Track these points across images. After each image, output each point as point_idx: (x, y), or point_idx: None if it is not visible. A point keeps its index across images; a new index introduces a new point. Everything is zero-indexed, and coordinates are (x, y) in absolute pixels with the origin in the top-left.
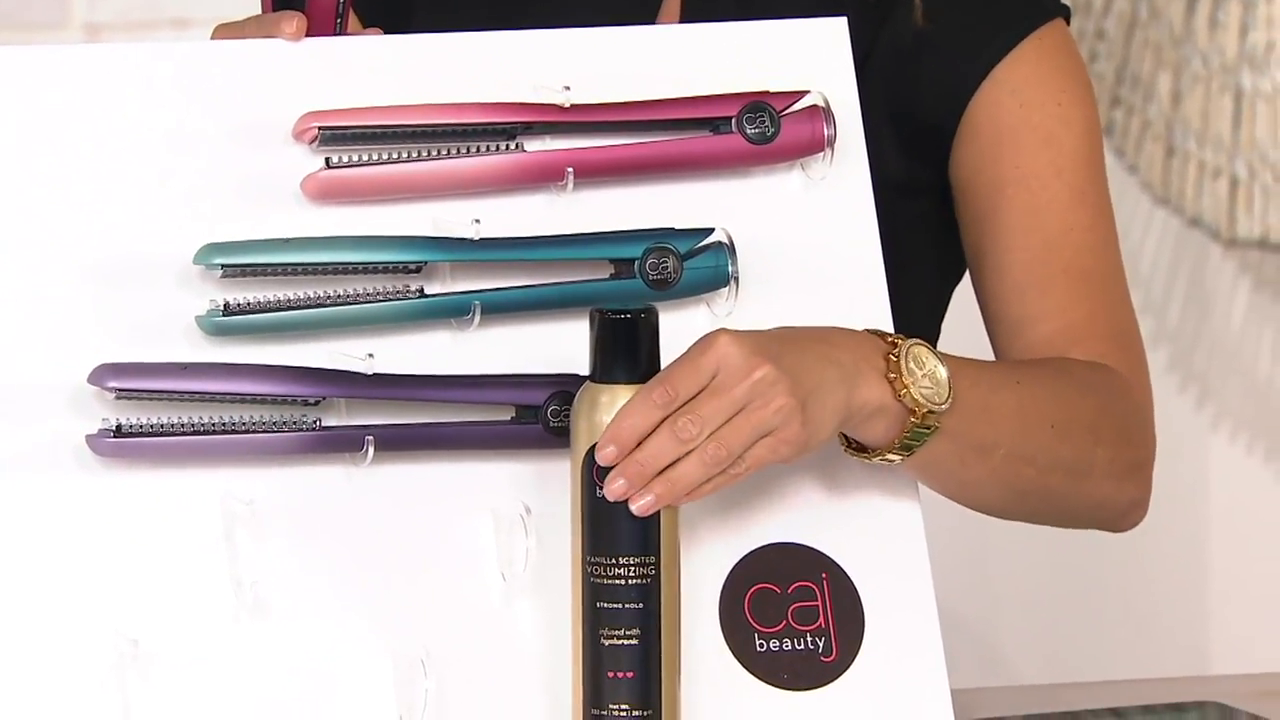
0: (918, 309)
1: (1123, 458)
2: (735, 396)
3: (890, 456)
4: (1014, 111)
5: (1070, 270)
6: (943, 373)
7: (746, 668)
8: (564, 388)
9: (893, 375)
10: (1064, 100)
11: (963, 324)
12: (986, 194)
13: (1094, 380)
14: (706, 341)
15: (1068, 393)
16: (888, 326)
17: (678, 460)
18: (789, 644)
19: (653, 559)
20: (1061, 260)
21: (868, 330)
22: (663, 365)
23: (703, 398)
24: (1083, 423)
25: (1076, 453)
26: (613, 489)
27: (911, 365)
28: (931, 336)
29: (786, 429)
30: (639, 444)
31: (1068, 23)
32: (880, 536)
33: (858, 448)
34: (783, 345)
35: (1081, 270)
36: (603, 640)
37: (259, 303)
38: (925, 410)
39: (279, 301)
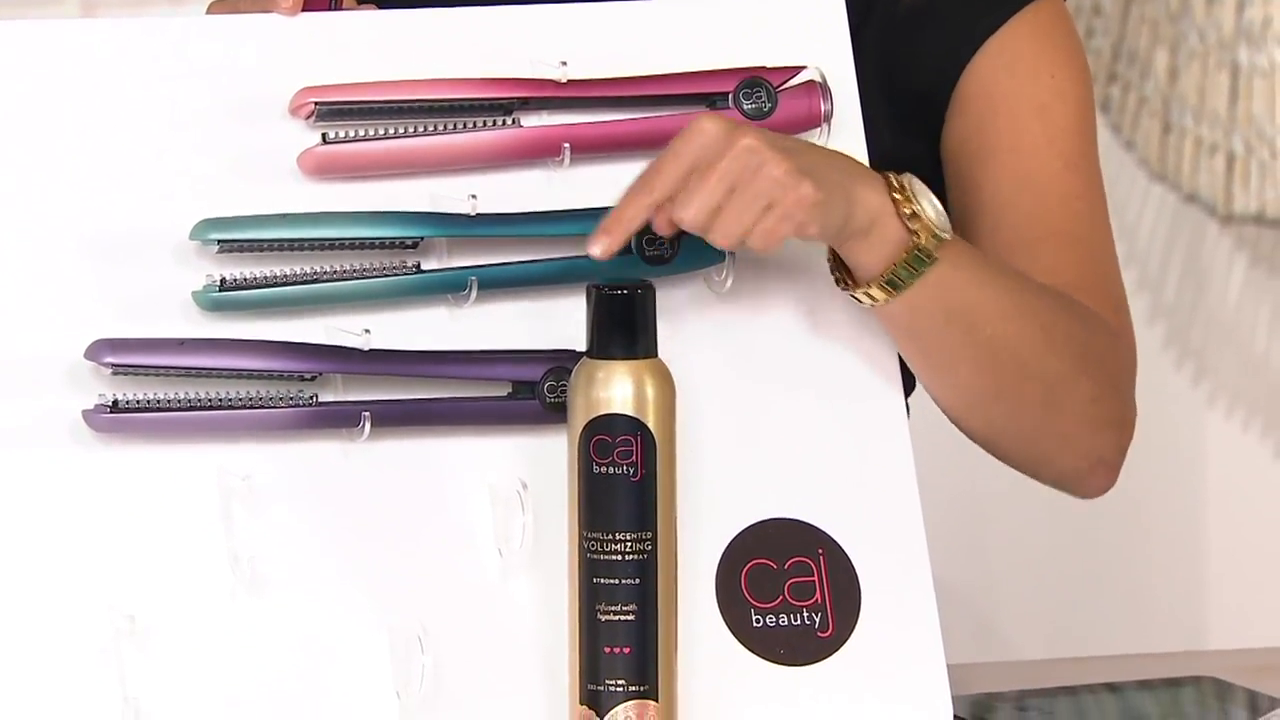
0: None
1: (1104, 405)
2: (723, 171)
3: (875, 294)
4: (1006, 83)
5: (1060, 234)
6: (943, 216)
7: (743, 643)
8: (561, 363)
9: (896, 195)
10: (1057, 73)
11: None
12: (977, 162)
13: (1090, 317)
14: (687, 126)
15: (1064, 309)
16: None
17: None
18: (785, 619)
19: (649, 534)
20: (1050, 224)
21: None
22: (659, 340)
23: (691, 181)
24: (1074, 343)
25: (1061, 370)
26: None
27: (912, 189)
28: None
29: (795, 192)
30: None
31: None
32: (877, 512)
33: (845, 280)
34: (773, 133)
35: (1072, 235)
36: (600, 615)
37: (255, 278)
38: (927, 232)
39: (275, 277)
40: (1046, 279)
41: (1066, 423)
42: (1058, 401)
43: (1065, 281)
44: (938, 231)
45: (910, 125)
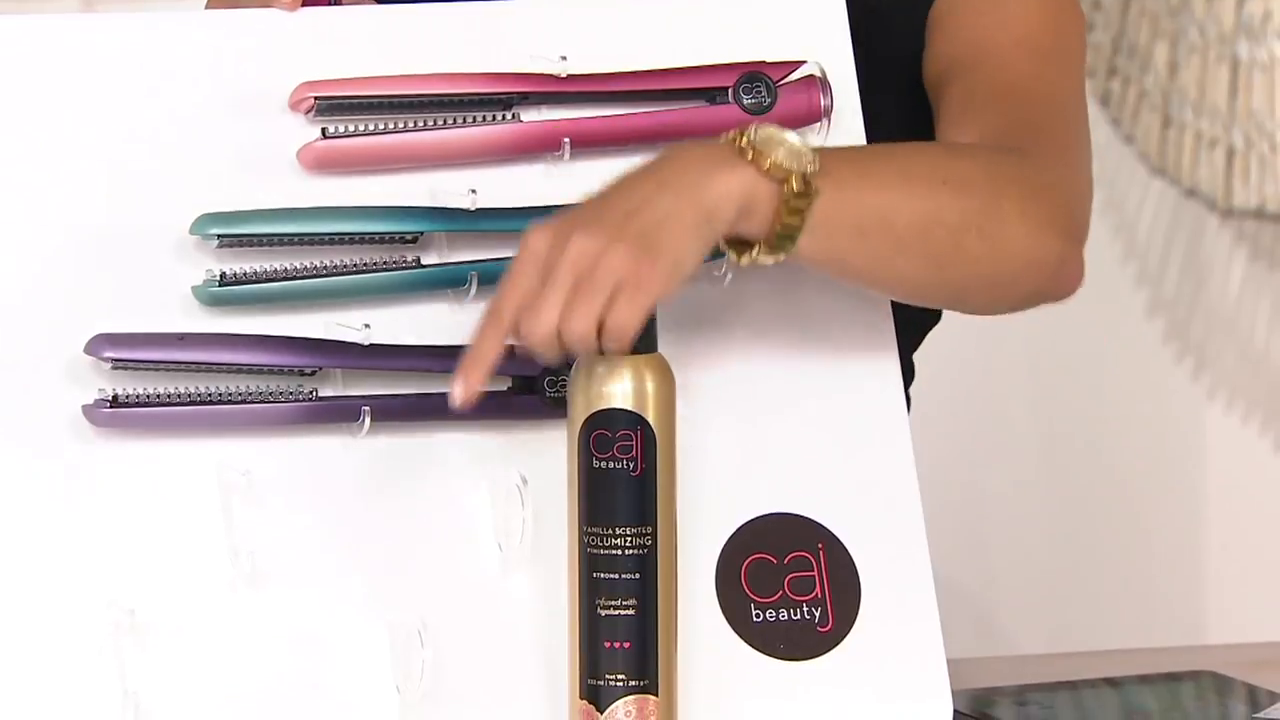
0: None
1: (1034, 209)
2: (560, 280)
3: (775, 254)
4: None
5: (998, 93)
6: (797, 140)
7: (743, 638)
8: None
9: (750, 154)
10: None
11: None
12: (946, 77)
13: (984, 151)
14: (520, 246)
15: (953, 155)
16: (884, 298)
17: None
18: (785, 614)
19: (649, 529)
20: (991, 87)
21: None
22: (659, 335)
23: (534, 300)
24: (978, 176)
25: (983, 203)
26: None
27: (762, 142)
28: None
29: (636, 273)
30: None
31: None
32: (877, 507)
33: (741, 252)
34: (594, 203)
35: (1013, 94)
36: (599, 610)
37: (255, 273)
38: (794, 174)
39: (275, 272)
40: (971, 128)
41: (1011, 242)
42: (994, 231)
43: (996, 126)
44: (805, 168)
45: (911, 100)
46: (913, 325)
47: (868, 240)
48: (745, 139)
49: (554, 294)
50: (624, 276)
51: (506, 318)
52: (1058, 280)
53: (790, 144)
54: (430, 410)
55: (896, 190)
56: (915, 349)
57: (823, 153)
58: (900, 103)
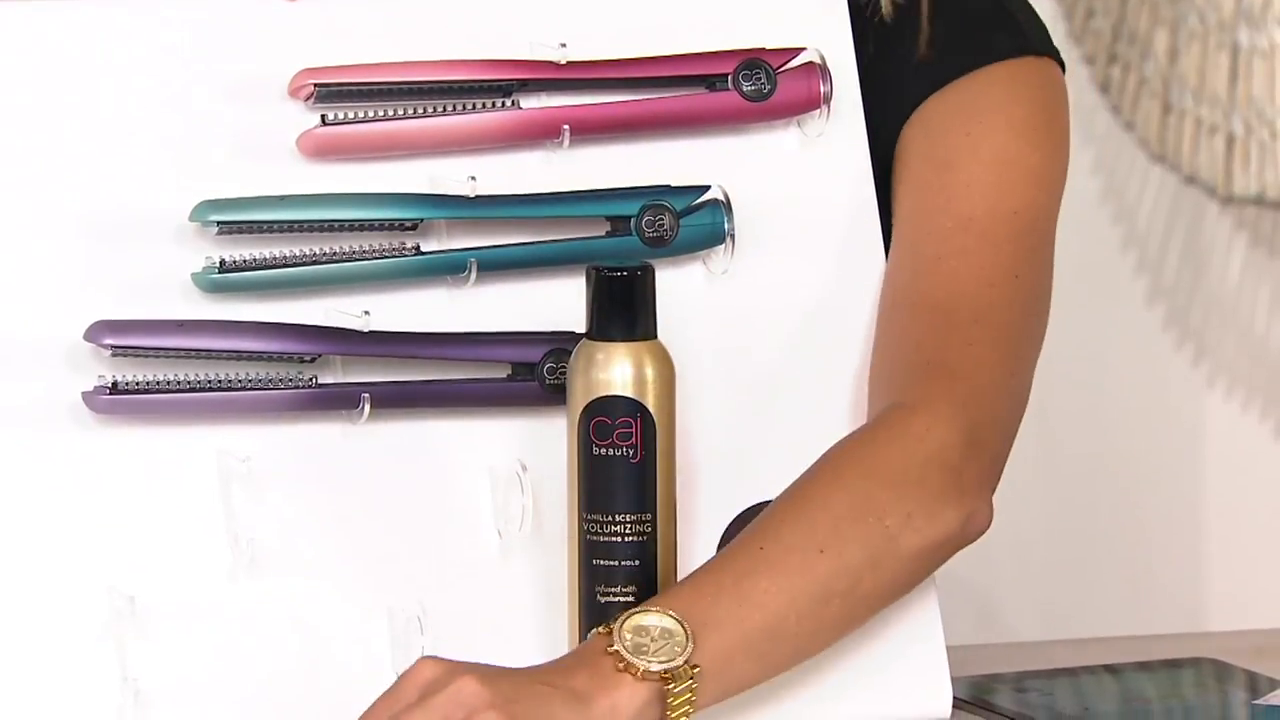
0: None
1: (923, 506)
2: (431, 707)
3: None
4: (920, 143)
5: (918, 305)
6: (670, 622)
7: None
8: (560, 345)
9: (621, 665)
10: (974, 129)
11: None
12: (895, 220)
13: (853, 455)
14: (405, 671)
15: (824, 499)
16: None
17: None
18: None
19: (649, 516)
20: (915, 294)
21: (595, 633)
22: (658, 322)
23: (402, 714)
24: (852, 513)
25: (868, 547)
26: None
27: (632, 640)
28: None
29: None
30: None
31: (1060, 67)
32: None
33: None
34: (499, 669)
35: (932, 303)
36: (599, 597)
37: (255, 260)
38: (675, 667)
39: (275, 259)
40: (884, 354)
41: (912, 555)
42: (889, 560)
43: (895, 356)
44: (679, 657)
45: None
46: None
47: (769, 656)
48: (613, 643)
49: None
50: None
51: None
52: (966, 538)
53: (664, 628)
54: (430, 397)
55: (776, 598)
56: None
57: (691, 597)
58: (882, 180)
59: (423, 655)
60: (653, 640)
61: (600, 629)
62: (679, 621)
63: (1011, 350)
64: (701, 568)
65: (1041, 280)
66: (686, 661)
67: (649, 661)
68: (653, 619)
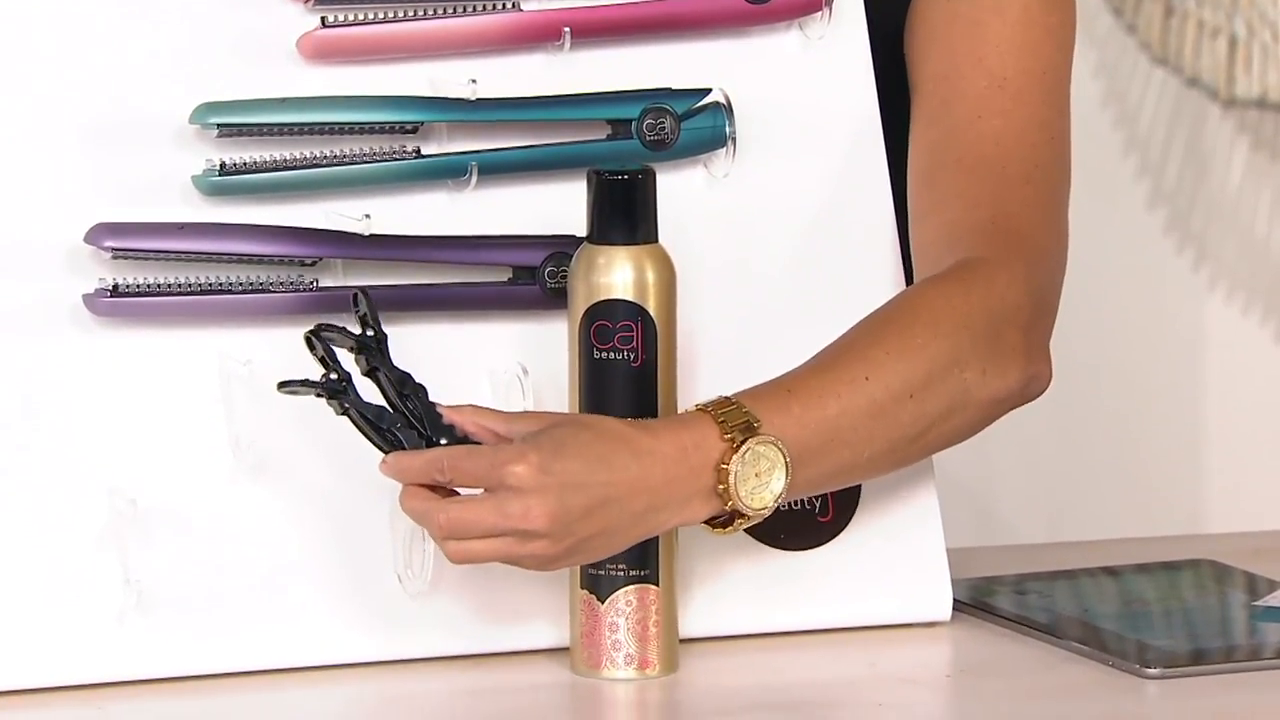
0: None
1: (996, 362)
2: (498, 525)
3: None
4: (943, 5)
5: (963, 161)
6: (779, 483)
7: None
8: (561, 249)
9: (722, 487)
10: None
11: None
12: (913, 96)
13: (945, 303)
14: (510, 456)
15: (919, 343)
16: (884, 187)
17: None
18: (786, 504)
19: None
20: (957, 150)
21: (707, 416)
22: (659, 226)
23: (471, 503)
24: (941, 365)
25: (947, 397)
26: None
27: (746, 470)
28: None
29: (540, 568)
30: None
31: None
32: None
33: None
34: (582, 492)
35: (977, 159)
36: None
37: (255, 163)
38: (757, 511)
39: (275, 161)
40: (937, 215)
41: (978, 407)
42: (960, 410)
43: (953, 217)
44: (766, 508)
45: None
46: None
47: (839, 478)
48: (729, 464)
49: (486, 526)
50: (529, 563)
51: (437, 470)
52: (1026, 398)
53: (770, 477)
54: (431, 301)
55: (865, 433)
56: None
57: (797, 424)
58: (884, 72)
59: (528, 442)
60: (758, 475)
61: (721, 422)
62: (786, 468)
63: (1058, 211)
64: (813, 373)
65: (1068, 140)
66: (773, 507)
67: (747, 502)
68: (768, 454)
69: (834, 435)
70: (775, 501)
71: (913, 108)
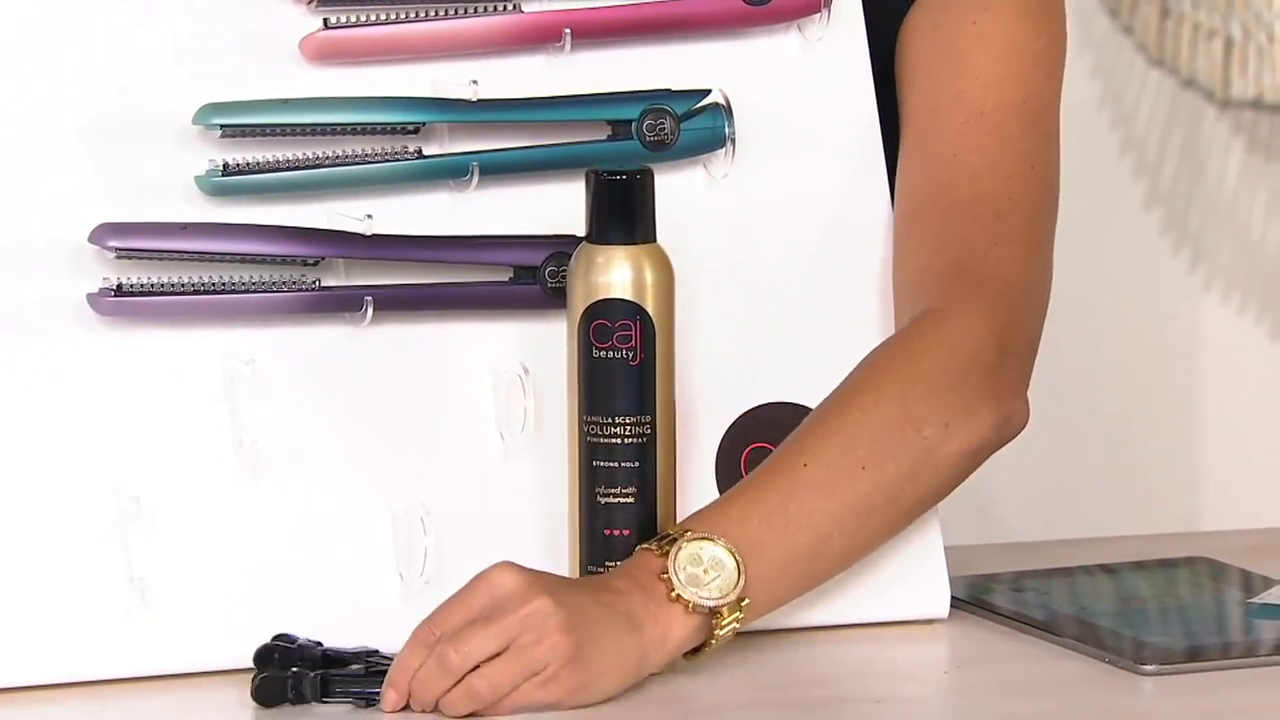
0: None
1: (960, 412)
2: (504, 626)
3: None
4: (928, 34)
5: (937, 204)
6: (723, 554)
7: None
8: (561, 248)
9: (674, 594)
10: (981, 18)
11: None
12: (901, 128)
13: (888, 367)
14: (482, 574)
15: (856, 415)
16: (882, 188)
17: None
18: None
19: (649, 418)
20: (933, 193)
21: (641, 548)
22: (658, 226)
23: (471, 627)
24: (886, 430)
25: (907, 459)
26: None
27: (690, 571)
28: None
29: (558, 671)
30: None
31: None
32: None
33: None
34: (565, 583)
35: (951, 201)
36: (600, 498)
37: (258, 163)
38: (725, 604)
39: (278, 162)
40: (911, 262)
41: (949, 462)
42: (928, 469)
43: (924, 264)
44: (730, 594)
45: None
46: None
47: (813, 573)
48: (668, 570)
49: (495, 636)
50: (556, 667)
51: (425, 637)
52: (1003, 440)
53: (717, 561)
54: (432, 300)
55: (820, 519)
56: None
57: (739, 534)
58: (881, 81)
59: (500, 562)
60: (705, 571)
61: (653, 546)
62: (732, 554)
63: (1035, 242)
64: (747, 483)
65: (1054, 166)
66: (738, 597)
67: (701, 595)
68: (707, 550)
69: (785, 523)
70: (737, 590)
71: (900, 141)
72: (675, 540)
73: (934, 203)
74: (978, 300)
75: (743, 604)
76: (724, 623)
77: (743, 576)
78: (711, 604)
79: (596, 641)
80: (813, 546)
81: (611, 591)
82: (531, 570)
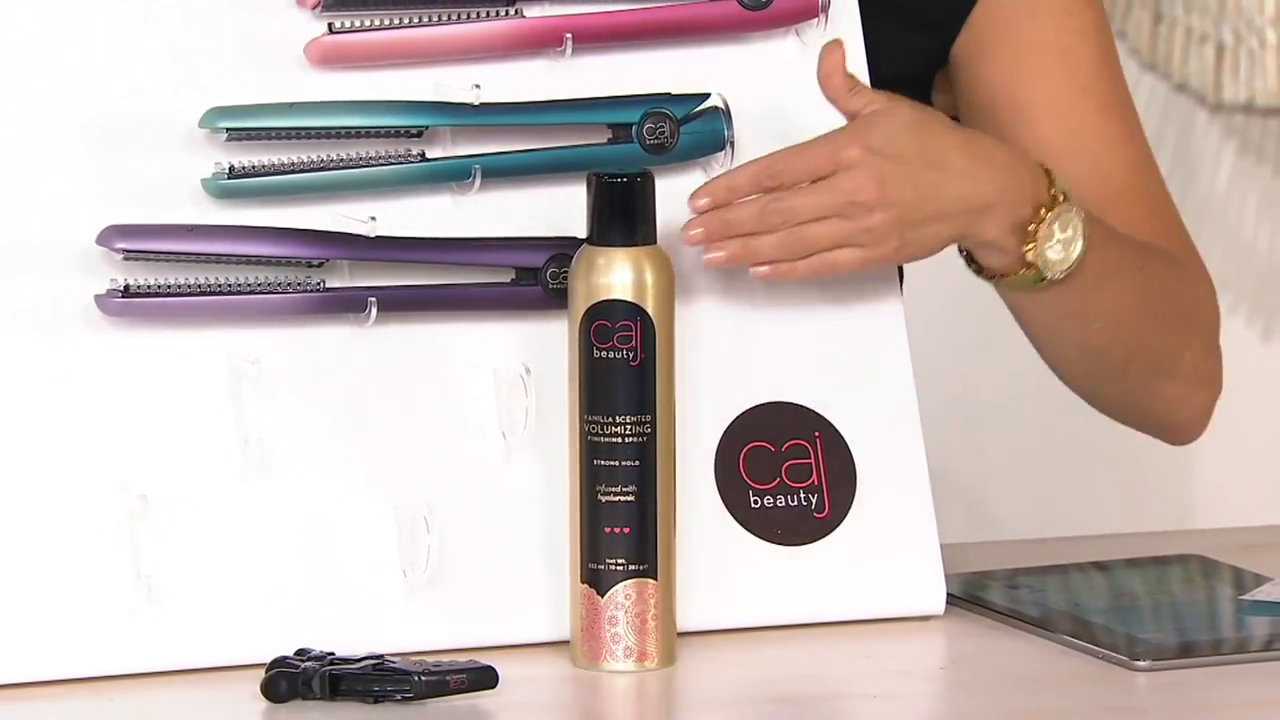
0: None
1: (1205, 366)
2: (833, 204)
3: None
4: (1026, 27)
5: (1123, 192)
6: (1077, 248)
7: (741, 523)
8: (562, 250)
9: (1031, 227)
10: (1073, 9)
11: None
12: (1014, 116)
13: (1188, 279)
14: (840, 140)
15: (1178, 290)
16: None
17: (758, 232)
18: (783, 500)
19: (649, 418)
20: (1112, 184)
21: (1042, 166)
22: (658, 228)
23: (804, 190)
24: (1180, 315)
25: (1166, 345)
26: (691, 235)
27: (1054, 228)
28: None
29: (875, 249)
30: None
31: None
32: (873, 396)
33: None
34: (916, 170)
35: (1133, 188)
36: (600, 497)
37: (263, 166)
38: (1041, 271)
39: (283, 165)
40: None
41: (1168, 389)
42: (1163, 371)
43: (1143, 240)
44: (1052, 273)
45: (914, 56)
46: None
47: (1055, 322)
48: (1045, 214)
49: (822, 207)
50: (868, 244)
51: (763, 174)
52: (1182, 430)
53: (1071, 245)
54: (435, 301)
55: (1113, 306)
56: None
57: (1091, 246)
58: (900, 38)
59: (857, 129)
60: (1058, 241)
61: (1050, 178)
62: (1081, 255)
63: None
64: (1109, 232)
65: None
66: (1053, 277)
67: (1047, 251)
68: (1078, 229)
69: (1100, 282)
70: (1066, 268)
71: (1014, 123)
72: (1064, 201)
73: (1120, 193)
74: (1211, 286)
75: (1046, 281)
76: (1024, 276)
77: (1070, 270)
78: (1042, 261)
79: (922, 230)
80: (1089, 310)
81: (974, 175)
82: (886, 152)
